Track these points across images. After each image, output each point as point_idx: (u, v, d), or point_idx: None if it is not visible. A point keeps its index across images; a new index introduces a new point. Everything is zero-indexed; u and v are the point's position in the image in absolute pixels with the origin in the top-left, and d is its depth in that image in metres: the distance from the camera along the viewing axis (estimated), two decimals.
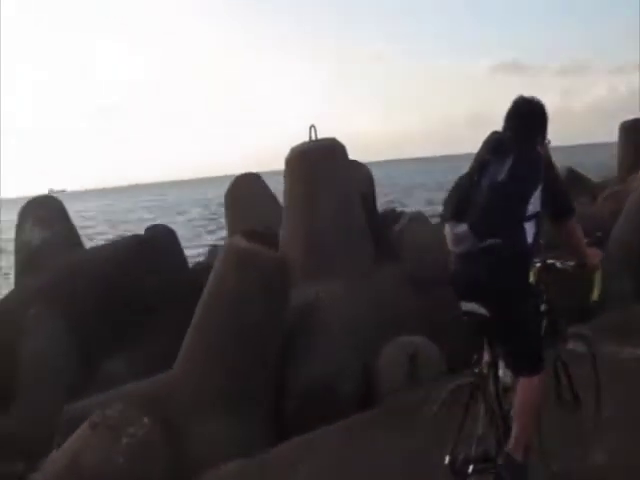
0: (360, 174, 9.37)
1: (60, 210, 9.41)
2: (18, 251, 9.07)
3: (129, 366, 7.50)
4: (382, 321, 6.05)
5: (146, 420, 4.36)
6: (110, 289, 7.97)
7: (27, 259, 8.81)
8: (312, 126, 6.70)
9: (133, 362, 7.48)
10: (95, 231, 36.82)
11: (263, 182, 10.50)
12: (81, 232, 10.04)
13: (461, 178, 3.24)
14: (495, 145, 3.13)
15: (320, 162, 6.70)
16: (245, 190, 10.20)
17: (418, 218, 9.31)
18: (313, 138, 6.78)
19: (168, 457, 4.55)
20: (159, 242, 8.84)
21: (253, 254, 5.50)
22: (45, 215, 9.12)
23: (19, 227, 9.10)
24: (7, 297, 8.55)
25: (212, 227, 33.40)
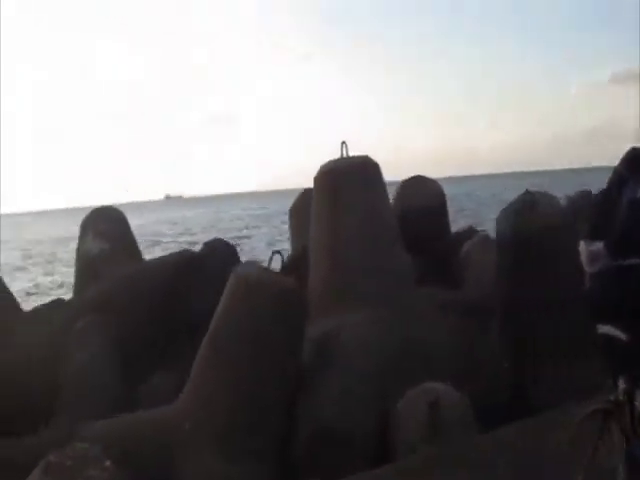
0: (426, 190, 8.78)
1: (121, 221, 9.41)
2: (77, 261, 9.14)
3: (172, 384, 7.31)
4: (408, 360, 5.41)
5: (108, 463, 3.99)
6: (157, 305, 7.83)
7: (84, 270, 8.85)
8: (343, 142, 6.24)
9: (176, 380, 7.27)
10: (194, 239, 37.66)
11: None
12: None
13: (596, 195, 3.22)
14: (634, 161, 3.02)
15: (346, 180, 6.17)
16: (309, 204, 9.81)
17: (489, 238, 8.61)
18: (345, 155, 6.31)
19: None
20: (214, 258, 8.63)
21: (260, 284, 5.09)
22: (105, 226, 9.13)
23: (80, 237, 9.17)
24: (60, 309, 8.57)
25: None
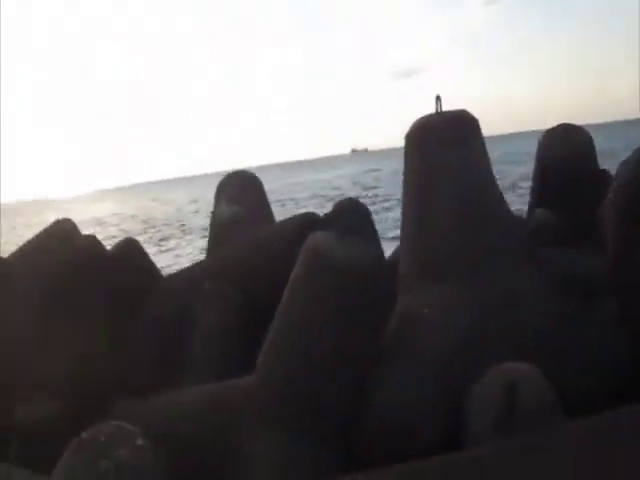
0: (574, 139, 7.75)
1: (254, 185, 9.39)
2: (210, 226, 9.29)
3: None
4: (493, 347, 4.69)
5: (140, 442, 3.86)
6: (279, 269, 7.69)
7: (215, 234, 8.98)
8: (438, 96, 5.49)
9: None
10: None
11: None
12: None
13: None
14: None
15: (438, 139, 5.43)
16: None
17: None
18: (439, 110, 5.56)
19: None
20: (342, 220, 8.30)
21: (325, 256, 4.66)
22: (238, 190, 9.16)
23: (215, 202, 9.29)
24: (184, 271, 8.80)
25: None
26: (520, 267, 5.43)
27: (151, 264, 8.84)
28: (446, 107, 5.73)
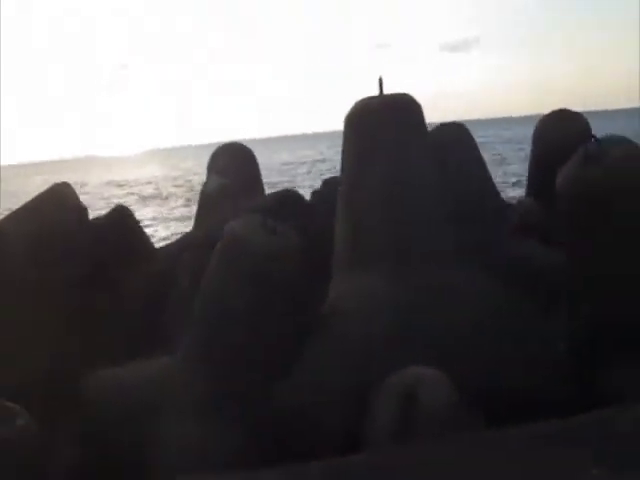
0: (570, 125, 7.58)
1: (246, 157, 9.50)
2: (200, 197, 9.49)
3: None
4: (412, 343, 4.56)
5: (21, 421, 4.08)
6: None
7: (203, 205, 9.17)
8: (380, 78, 5.38)
9: None
10: None
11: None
12: None
13: None
14: None
15: (372, 123, 5.25)
16: None
17: None
18: (382, 92, 5.46)
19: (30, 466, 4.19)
20: (326, 196, 8.33)
21: (238, 243, 4.69)
22: (228, 162, 9.31)
23: (207, 173, 9.48)
24: (175, 242, 9.05)
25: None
26: (463, 261, 5.27)
27: (142, 234, 9.12)
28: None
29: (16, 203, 8.71)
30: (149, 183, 59.44)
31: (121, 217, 8.75)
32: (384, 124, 5.27)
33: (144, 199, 43.50)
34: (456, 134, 6.55)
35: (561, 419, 3.63)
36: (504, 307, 4.94)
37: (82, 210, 8.21)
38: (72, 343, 7.00)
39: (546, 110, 7.81)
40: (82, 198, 8.43)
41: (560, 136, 7.18)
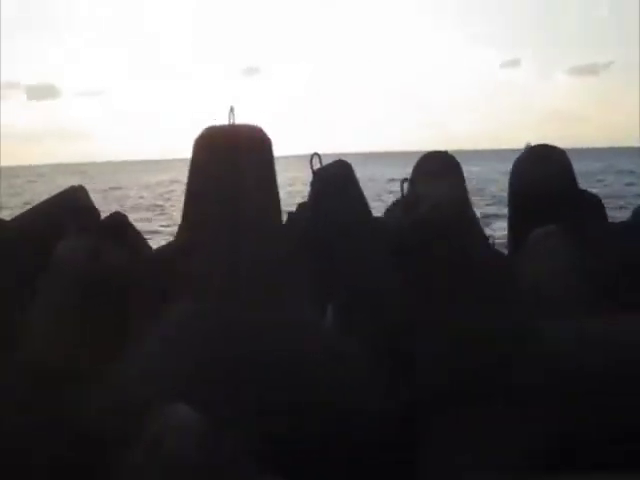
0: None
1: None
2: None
3: None
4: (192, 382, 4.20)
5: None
6: None
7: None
8: (231, 108, 5.49)
9: None
10: None
11: None
12: None
13: None
14: None
15: (218, 150, 5.38)
16: None
17: None
18: (232, 122, 5.60)
19: None
20: None
21: (70, 266, 4.76)
22: None
23: None
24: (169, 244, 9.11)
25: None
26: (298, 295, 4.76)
27: (138, 237, 9.05)
28: None
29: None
30: None
31: (116, 223, 8.73)
32: (219, 154, 5.42)
33: None
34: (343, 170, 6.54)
35: None
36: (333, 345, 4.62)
37: (91, 213, 8.18)
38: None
39: None
40: None
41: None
